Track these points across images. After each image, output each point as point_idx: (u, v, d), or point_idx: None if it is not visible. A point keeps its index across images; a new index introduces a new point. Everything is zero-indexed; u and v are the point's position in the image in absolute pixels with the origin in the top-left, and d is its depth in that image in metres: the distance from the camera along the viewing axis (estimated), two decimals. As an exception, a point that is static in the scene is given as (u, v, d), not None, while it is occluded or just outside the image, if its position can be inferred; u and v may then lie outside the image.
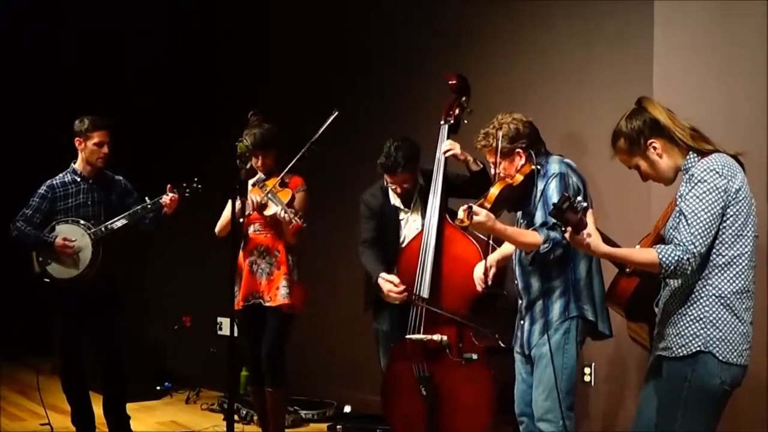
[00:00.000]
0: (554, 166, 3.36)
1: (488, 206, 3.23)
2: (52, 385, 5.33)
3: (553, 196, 3.24)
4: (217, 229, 4.42)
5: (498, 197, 3.29)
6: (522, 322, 3.45)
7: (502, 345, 3.79)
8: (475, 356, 3.78)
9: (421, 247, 3.99)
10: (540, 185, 3.32)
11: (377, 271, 4.12)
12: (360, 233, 4.34)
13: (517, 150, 3.38)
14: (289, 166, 4.22)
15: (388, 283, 4.03)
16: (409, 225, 4.20)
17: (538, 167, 3.36)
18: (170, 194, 4.42)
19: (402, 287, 4.01)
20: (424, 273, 3.95)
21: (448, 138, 4.06)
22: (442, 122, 4.17)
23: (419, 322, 3.94)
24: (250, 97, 5.88)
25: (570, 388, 3.34)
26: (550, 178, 3.31)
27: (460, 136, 4.08)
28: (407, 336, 3.95)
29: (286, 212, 4.07)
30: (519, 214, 3.49)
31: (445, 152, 3.97)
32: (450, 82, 4.22)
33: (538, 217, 3.29)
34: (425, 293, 3.92)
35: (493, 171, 3.44)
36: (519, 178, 3.36)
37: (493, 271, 3.57)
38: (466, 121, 4.11)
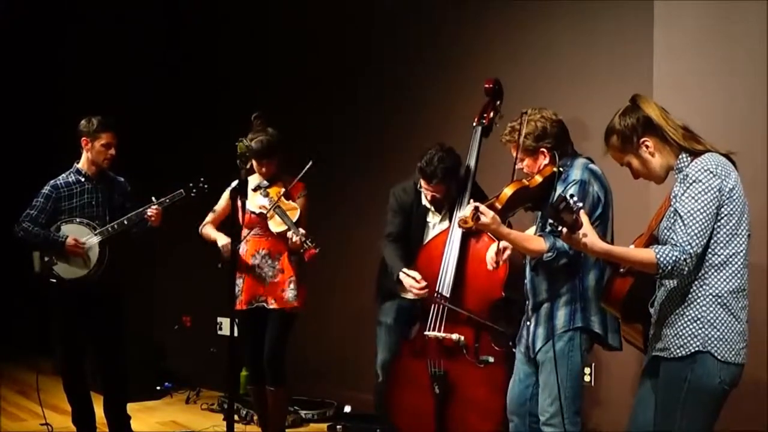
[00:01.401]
0: (577, 171, 3.26)
1: (499, 207, 3.17)
2: (53, 385, 5.33)
3: None
4: (201, 229, 4.40)
5: (510, 198, 3.21)
6: (528, 323, 3.42)
7: (515, 351, 3.79)
8: (491, 359, 3.76)
9: (445, 245, 3.96)
10: (559, 189, 3.22)
11: (399, 266, 4.07)
12: (386, 226, 4.28)
13: (542, 149, 3.31)
14: (280, 192, 4.21)
15: (410, 279, 3.97)
16: (437, 230, 4.17)
17: (560, 170, 3.27)
18: (154, 207, 4.38)
19: (423, 283, 3.95)
20: (446, 272, 3.92)
21: (480, 139, 4.04)
22: (474, 124, 4.13)
23: (439, 319, 3.92)
24: (250, 97, 5.89)
25: (575, 394, 3.32)
26: (569, 184, 3.22)
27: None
28: (425, 332, 3.93)
29: (297, 235, 4.04)
30: (539, 213, 3.41)
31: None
32: (486, 86, 4.17)
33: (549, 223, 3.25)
34: (446, 292, 3.90)
35: (517, 166, 3.35)
36: (538, 179, 3.28)
37: (507, 253, 3.47)
38: (497, 125, 4.09)
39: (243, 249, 4.31)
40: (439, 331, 3.89)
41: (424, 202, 4.19)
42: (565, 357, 3.27)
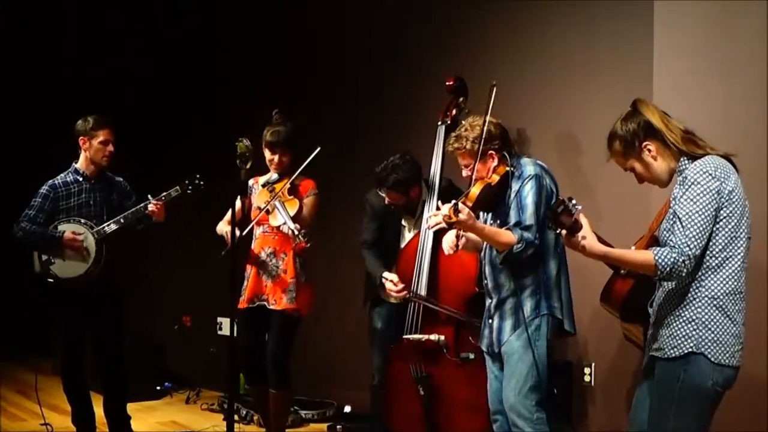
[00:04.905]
0: (529, 168, 3.39)
1: (470, 205, 3.25)
2: (53, 385, 5.34)
3: (528, 197, 3.30)
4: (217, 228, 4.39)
5: (479, 197, 3.31)
6: (490, 320, 3.48)
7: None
8: (472, 356, 3.80)
9: (418, 247, 4.01)
10: (515, 186, 3.35)
11: (379, 270, 4.17)
12: (362, 233, 4.36)
13: (490, 152, 3.40)
14: (284, 185, 4.19)
15: (389, 282, 4.09)
16: (412, 234, 4.23)
17: (512, 169, 3.39)
18: (154, 201, 4.37)
19: (401, 285, 4.07)
20: (421, 273, 3.98)
21: (445, 137, 4.07)
22: (439, 123, 4.22)
23: (416, 321, 3.95)
24: (250, 97, 5.89)
25: (540, 383, 3.36)
26: (525, 179, 3.35)
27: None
28: (404, 336, 3.96)
29: (291, 228, 4.06)
30: (489, 215, 3.50)
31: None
32: (447, 83, 4.26)
33: (512, 218, 3.32)
34: (423, 292, 3.96)
35: (465, 174, 3.45)
36: (495, 178, 3.39)
37: (463, 240, 3.50)
38: (463, 122, 4.12)
39: (253, 246, 4.33)
40: (419, 333, 3.92)
41: None
42: (532, 345, 3.33)
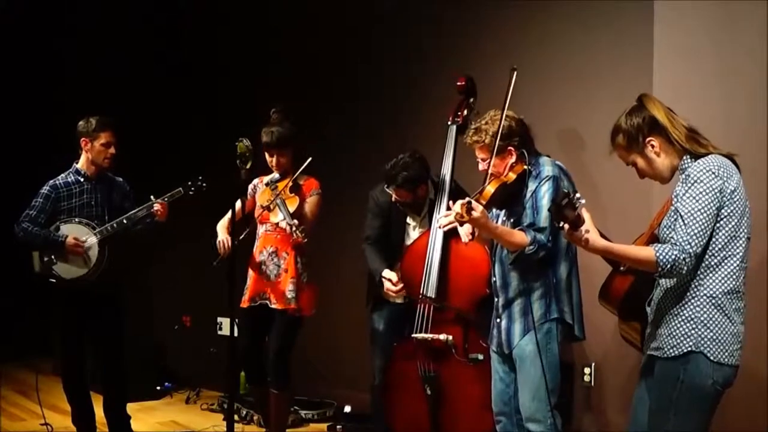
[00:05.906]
0: (547, 168, 3.32)
1: (483, 203, 3.20)
2: (53, 385, 5.33)
3: (544, 199, 3.25)
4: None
5: (493, 195, 3.25)
6: (498, 320, 3.45)
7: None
8: (480, 357, 3.78)
9: (427, 246, 3.99)
10: (531, 186, 3.29)
11: (379, 268, 4.15)
12: (364, 228, 4.34)
13: (509, 147, 3.34)
14: (287, 183, 4.20)
15: (387, 281, 4.07)
16: (417, 232, 4.21)
17: (530, 167, 3.32)
18: (158, 201, 4.38)
19: (400, 285, 4.04)
20: (430, 273, 3.95)
21: (456, 138, 4.07)
22: (449, 123, 4.19)
23: (425, 321, 3.94)
24: (250, 98, 5.89)
25: (554, 388, 3.34)
26: (542, 180, 3.28)
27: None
28: (413, 335, 3.95)
29: (288, 224, 4.07)
30: (503, 212, 3.45)
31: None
32: (458, 84, 4.23)
33: (527, 218, 3.28)
34: (432, 293, 3.92)
35: (482, 167, 3.39)
36: (512, 176, 3.32)
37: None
38: (473, 122, 4.12)
39: (256, 245, 4.34)
40: (427, 332, 3.91)
41: None
42: (543, 350, 3.30)
